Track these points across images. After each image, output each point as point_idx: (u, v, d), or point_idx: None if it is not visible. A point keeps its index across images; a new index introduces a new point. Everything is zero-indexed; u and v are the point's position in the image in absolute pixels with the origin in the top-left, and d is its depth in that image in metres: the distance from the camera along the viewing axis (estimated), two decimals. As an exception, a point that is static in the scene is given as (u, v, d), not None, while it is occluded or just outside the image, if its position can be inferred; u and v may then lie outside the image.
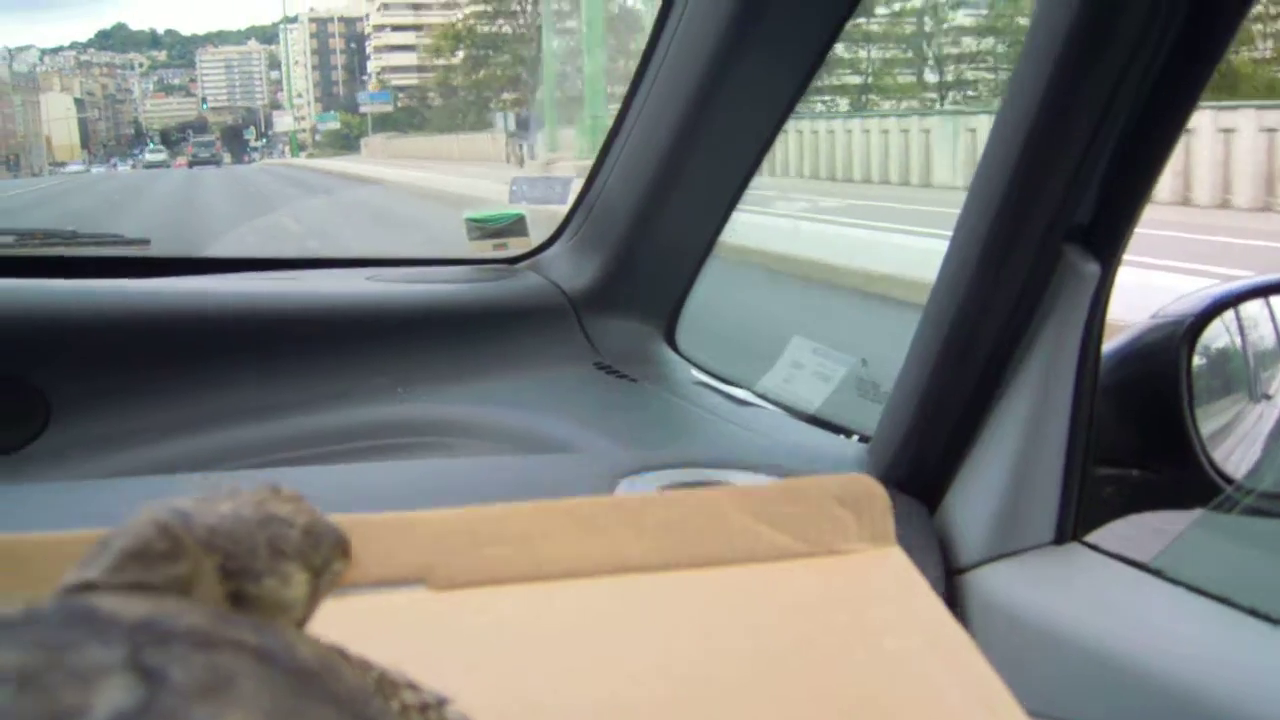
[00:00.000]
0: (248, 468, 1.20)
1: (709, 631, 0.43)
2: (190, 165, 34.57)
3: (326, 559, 0.33)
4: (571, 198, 1.59)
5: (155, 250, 1.77)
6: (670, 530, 0.46)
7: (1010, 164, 0.79)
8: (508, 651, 0.41)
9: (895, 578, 0.46)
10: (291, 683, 0.25)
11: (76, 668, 0.23)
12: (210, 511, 0.31)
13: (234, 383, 1.31)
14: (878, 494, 0.48)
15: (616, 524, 0.46)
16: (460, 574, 0.45)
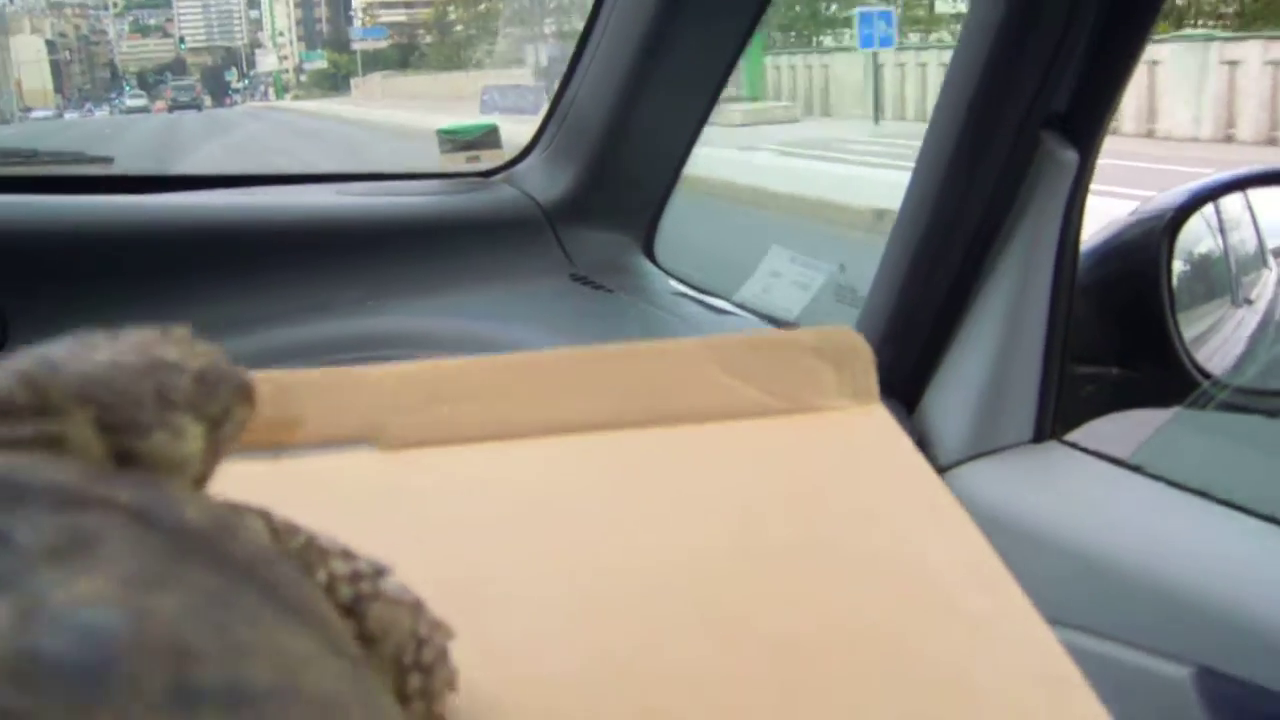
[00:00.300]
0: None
1: (679, 494, 0.41)
2: (170, 110, 32.40)
3: (226, 407, 0.30)
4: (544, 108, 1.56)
5: (119, 169, 1.73)
6: (634, 383, 0.44)
7: (985, 51, 0.77)
8: (462, 517, 0.39)
9: (879, 436, 0.44)
10: (170, 545, 0.22)
11: None
12: (84, 359, 0.28)
13: (200, 298, 1.28)
14: (860, 347, 0.45)
15: (578, 378, 0.44)
16: (412, 433, 0.42)
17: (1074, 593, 0.74)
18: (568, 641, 0.34)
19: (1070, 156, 0.78)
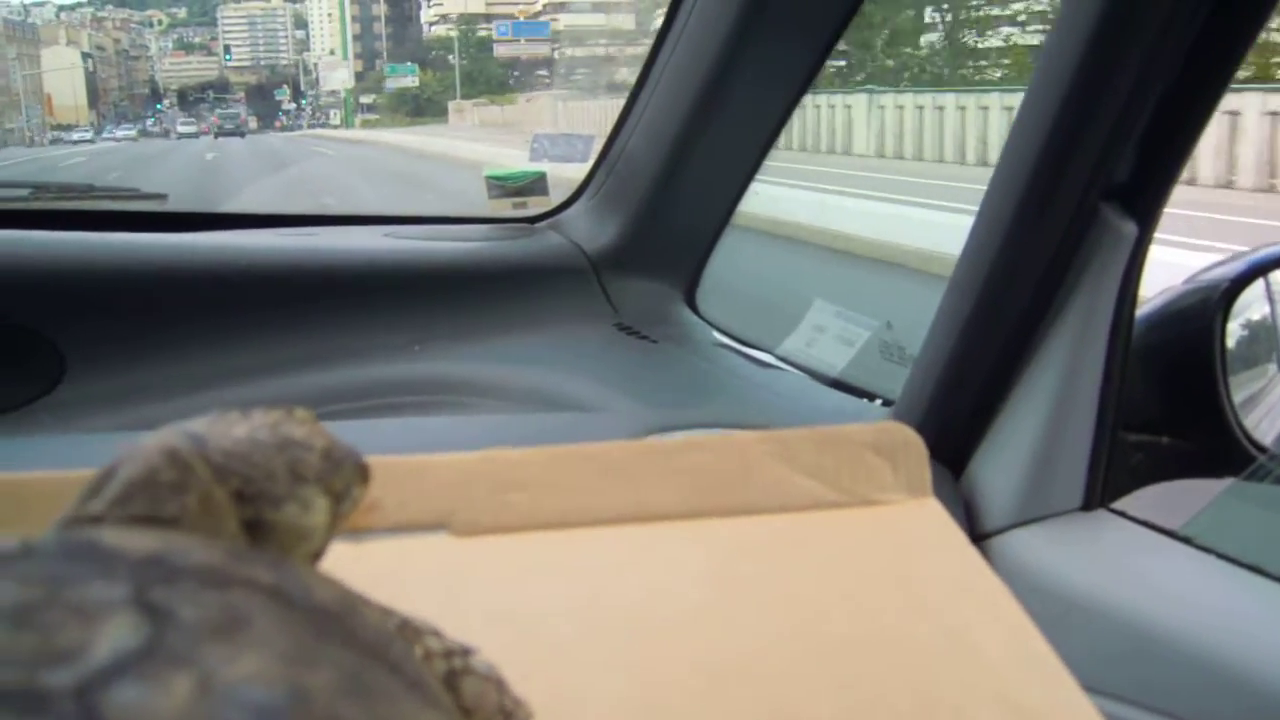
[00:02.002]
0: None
1: (740, 582, 0.41)
2: (215, 136, 30.88)
3: (347, 484, 0.32)
4: (593, 156, 1.57)
5: (172, 206, 1.76)
6: (699, 477, 0.45)
7: (1049, 120, 0.77)
8: (530, 601, 0.40)
9: (933, 529, 0.45)
10: (309, 624, 0.23)
11: (76, 605, 0.21)
12: (224, 434, 0.30)
13: (250, 339, 1.30)
14: (913, 443, 0.46)
15: (643, 470, 0.45)
16: (482, 520, 0.43)
17: (1120, 663, 0.74)
18: None
19: (1129, 229, 0.78)
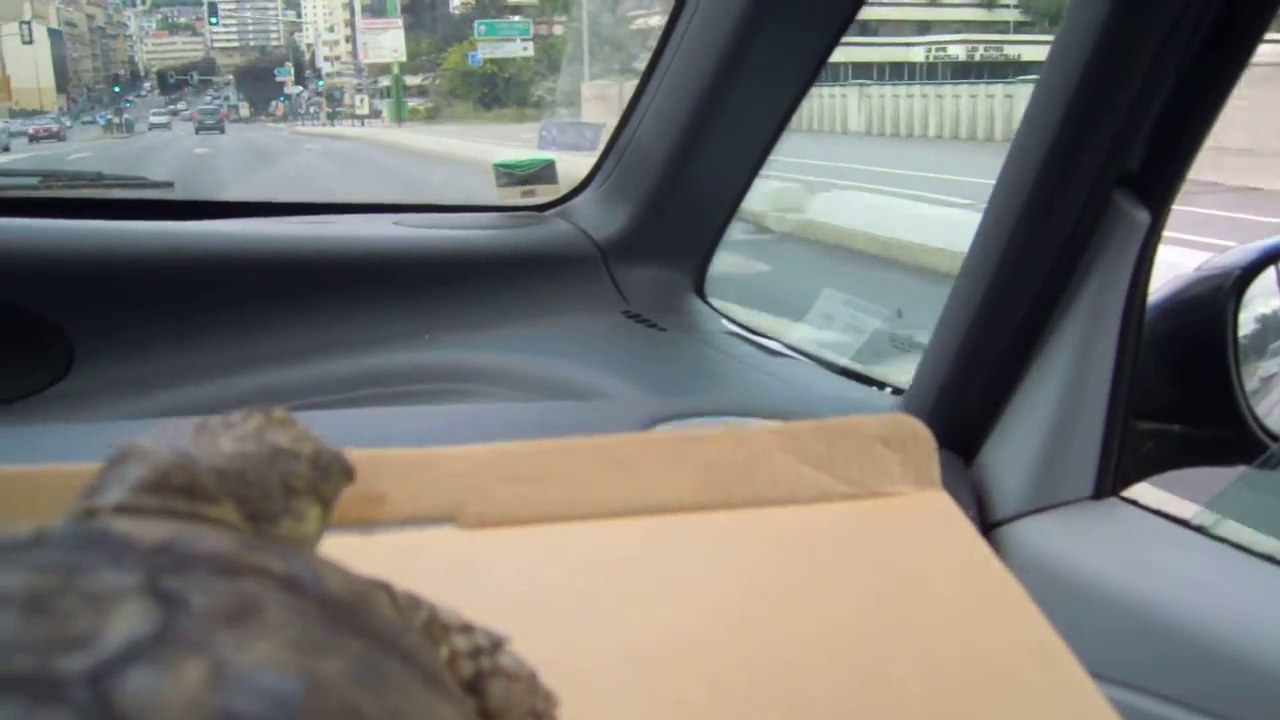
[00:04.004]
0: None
1: (749, 574, 0.41)
2: (196, 131, 25.91)
3: (336, 488, 0.32)
4: (602, 144, 1.56)
5: (180, 193, 1.76)
6: (708, 469, 0.45)
7: (1062, 107, 0.77)
8: (539, 594, 0.39)
9: (941, 521, 0.45)
10: (321, 613, 0.23)
11: (88, 592, 0.21)
12: (214, 451, 0.30)
13: (259, 327, 1.30)
14: (922, 435, 0.46)
15: (652, 462, 0.45)
16: (491, 513, 0.43)
17: (1131, 650, 0.74)
18: None
19: (1142, 216, 0.78)
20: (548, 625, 0.38)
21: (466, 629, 0.30)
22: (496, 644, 0.30)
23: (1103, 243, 0.80)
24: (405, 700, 0.22)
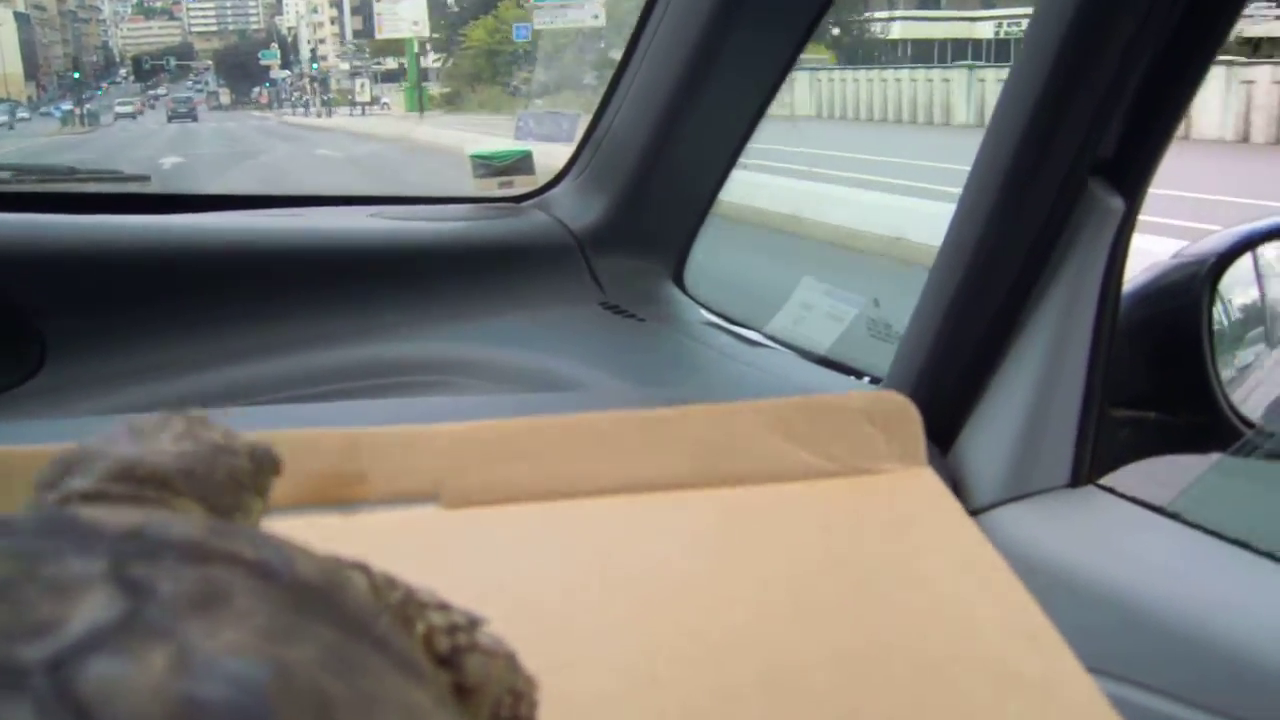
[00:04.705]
0: (249, 406, 1.19)
1: (733, 552, 0.41)
2: (169, 119, 25.04)
3: (269, 481, 0.32)
4: (578, 134, 1.56)
5: (155, 187, 1.74)
6: (693, 447, 0.45)
7: (1035, 94, 0.77)
8: (522, 575, 0.39)
9: (928, 498, 0.45)
10: (290, 599, 0.23)
11: (53, 579, 0.21)
12: (159, 450, 0.30)
13: (236, 320, 1.29)
14: (908, 411, 0.46)
15: (637, 440, 0.45)
16: (474, 491, 0.43)
17: (1108, 639, 0.74)
18: (630, 700, 0.34)
19: (1116, 204, 0.78)
20: (532, 604, 0.38)
21: (443, 607, 0.30)
22: (474, 622, 0.30)
23: (1078, 230, 0.80)
24: (376, 686, 0.22)
